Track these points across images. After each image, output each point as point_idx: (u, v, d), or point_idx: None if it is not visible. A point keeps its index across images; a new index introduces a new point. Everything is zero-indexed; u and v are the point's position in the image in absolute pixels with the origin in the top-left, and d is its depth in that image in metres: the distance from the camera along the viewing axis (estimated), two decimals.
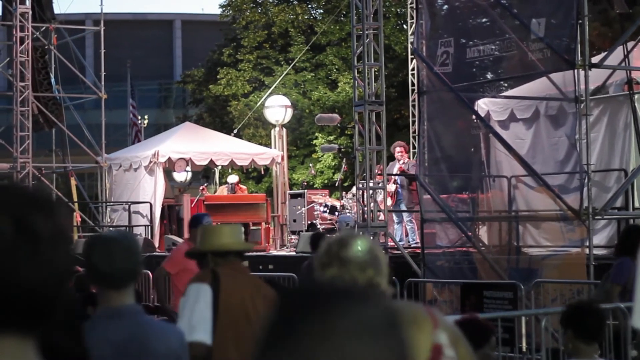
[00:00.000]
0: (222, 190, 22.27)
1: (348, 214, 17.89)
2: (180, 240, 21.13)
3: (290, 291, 1.50)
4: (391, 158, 18.08)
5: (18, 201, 1.50)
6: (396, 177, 17.28)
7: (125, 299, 3.83)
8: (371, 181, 15.13)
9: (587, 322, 5.80)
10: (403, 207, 17.47)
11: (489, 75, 16.49)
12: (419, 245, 16.60)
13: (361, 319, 1.43)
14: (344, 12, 30.97)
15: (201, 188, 22.46)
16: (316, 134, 32.31)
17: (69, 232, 1.54)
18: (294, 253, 16.91)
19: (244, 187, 23.59)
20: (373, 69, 15.33)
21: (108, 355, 3.61)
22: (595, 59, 13.38)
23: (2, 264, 1.45)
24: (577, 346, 5.82)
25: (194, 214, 11.65)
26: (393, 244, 15.50)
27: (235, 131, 27.85)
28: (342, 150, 28.66)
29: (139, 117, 35.60)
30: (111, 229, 22.11)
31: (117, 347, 3.68)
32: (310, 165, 26.71)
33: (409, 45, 21.75)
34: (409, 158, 18.22)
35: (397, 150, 17.65)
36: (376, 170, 15.53)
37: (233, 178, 22.40)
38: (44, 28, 23.68)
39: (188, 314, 5.32)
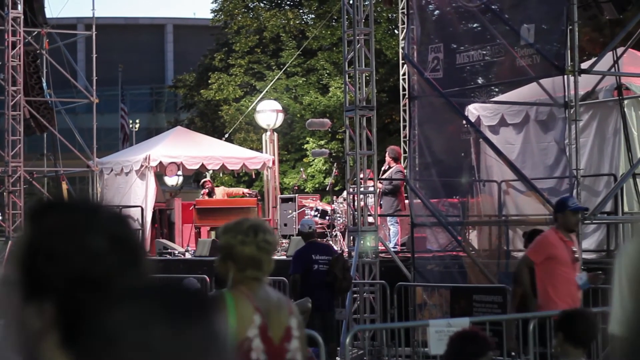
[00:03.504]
0: (203, 197, 22.25)
1: (339, 218, 17.93)
2: (171, 244, 21.20)
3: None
4: (382, 162, 18.14)
5: (106, 219, 1.54)
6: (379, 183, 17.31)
7: None
8: (362, 186, 15.18)
9: (578, 328, 5.95)
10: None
11: (480, 81, 16.56)
12: (399, 249, 16.71)
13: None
14: (336, 17, 31.05)
15: (202, 192, 22.57)
16: (307, 139, 32.35)
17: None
18: (284, 257, 16.93)
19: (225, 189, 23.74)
20: (364, 74, 15.38)
21: None
22: (585, 65, 13.44)
23: (112, 279, 1.49)
24: (566, 349, 5.96)
25: (559, 198, 10.50)
26: (383, 247, 15.56)
27: (226, 135, 27.89)
28: (333, 154, 28.69)
29: (130, 122, 35.60)
30: None
31: None
32: (301, 169, 26.74)
33: (400, 50, 21.80)
34: (400, 163, 18.24)
35: (386, 158, 17.79)
36: (368, 174, 15.57)
37: (203, 178, 22.43)
38: (35, 32, 23.65)
39: None
